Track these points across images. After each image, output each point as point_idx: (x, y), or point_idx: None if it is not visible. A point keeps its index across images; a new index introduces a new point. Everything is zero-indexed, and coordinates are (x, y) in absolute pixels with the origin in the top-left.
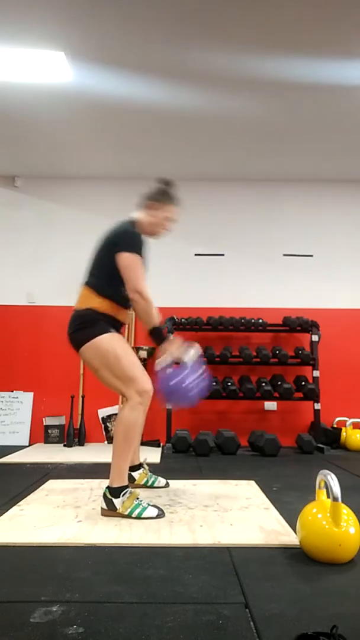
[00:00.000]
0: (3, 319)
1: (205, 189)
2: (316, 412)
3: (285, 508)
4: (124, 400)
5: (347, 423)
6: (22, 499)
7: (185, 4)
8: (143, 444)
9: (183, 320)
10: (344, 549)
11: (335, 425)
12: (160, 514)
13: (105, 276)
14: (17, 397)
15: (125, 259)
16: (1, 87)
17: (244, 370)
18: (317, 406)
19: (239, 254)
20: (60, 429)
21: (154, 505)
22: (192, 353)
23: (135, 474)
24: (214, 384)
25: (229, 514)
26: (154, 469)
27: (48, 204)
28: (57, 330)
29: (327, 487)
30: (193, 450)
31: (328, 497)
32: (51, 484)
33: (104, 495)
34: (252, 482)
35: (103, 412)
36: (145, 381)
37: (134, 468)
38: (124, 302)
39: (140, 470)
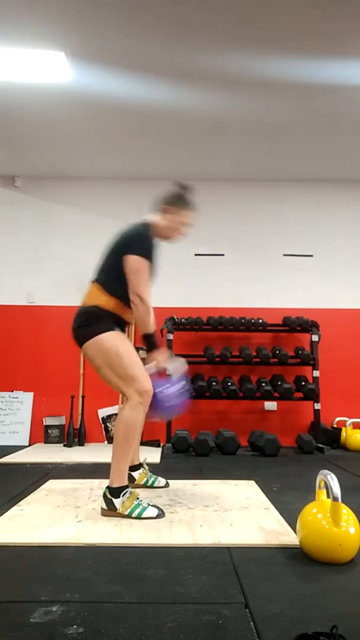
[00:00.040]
0: (3, 319)
1: (205, 189)
2: (316, 412)
3: (285, 508)
4: (124, 399)
5: (347, 423)
6: (22, 499)
7: (185, 4)
8: (143, 444)
9: (183, 320)
10: (344, 549)
11: (335, 425)
12: (160, 514)
13: (115, 275)
14: (17, 397)
15: (133, 262)
16: (1, 87)
17: (244, 370)
18: (317, 406)
19: (239, 254)
20: (60, 429)
21: (154, 505)
22: (177, 366)
23: (135, 474)
24: (214, 383)
25: (229, 514)
26: (154, 469)
27: (48, 204)
28: (57, 330)
29: (327, 487)
30: (193, 450)
31: (328, 497)
32: (51, 484)
33: (104, 495)
34: (252, 482)
35: (103, 412)
36: (145, 381)
37: (134, 468)
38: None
39: (140, 470)
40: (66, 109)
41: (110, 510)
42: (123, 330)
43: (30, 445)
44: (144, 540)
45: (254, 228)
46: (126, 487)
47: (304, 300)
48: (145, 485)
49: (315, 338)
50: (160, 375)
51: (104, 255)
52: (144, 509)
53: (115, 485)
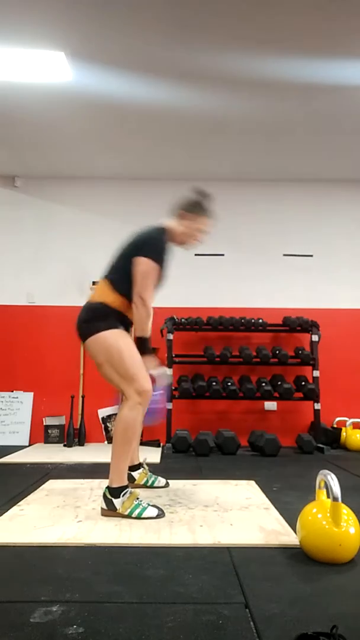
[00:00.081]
0: (3, 319)
1: (205, 189)
2: (316, 412)
3: (285, 508)
4: (123, 399)
5: (347, 423)
6: (22, 499)
7: (185, 4)
8: (143, 444)
9: (183, 320)
10: (344, 549)
11: (335, 425)
12: (160, 514)
13: (124, 275)
14: (17, 397)
15: (143, 264)
16: (1, 87)
17: (244, 370)
18: (317, 406)
19: (239, 254)
20: (60, 429)
21: (154, 505)
22: (163, 375)
23: (135, 474)
24: (214, 383)
25: (229, 514)
26: (154, 469)
27: (48, 204)
28: (57, 330)
29: (327, 487)
30: (193, 450)
31: (328, 497)
32: (51, 484)
33: (104, 496)
34: (252, 482)
35: (103, 412)
36: (145, 381)
37: (133, 468)
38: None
39: (140, 470)
40: (66, 109)
41: (110, 510)
42: (127, 330)
43: (30, 445)
44: (144, 540)
45: (254, 228)
46: (126, 487)
47: (304, 300)
48: (145, 485)
49: (315, 338)
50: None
51: (116, 253)
52: (144, 509)
53: (114, 486)
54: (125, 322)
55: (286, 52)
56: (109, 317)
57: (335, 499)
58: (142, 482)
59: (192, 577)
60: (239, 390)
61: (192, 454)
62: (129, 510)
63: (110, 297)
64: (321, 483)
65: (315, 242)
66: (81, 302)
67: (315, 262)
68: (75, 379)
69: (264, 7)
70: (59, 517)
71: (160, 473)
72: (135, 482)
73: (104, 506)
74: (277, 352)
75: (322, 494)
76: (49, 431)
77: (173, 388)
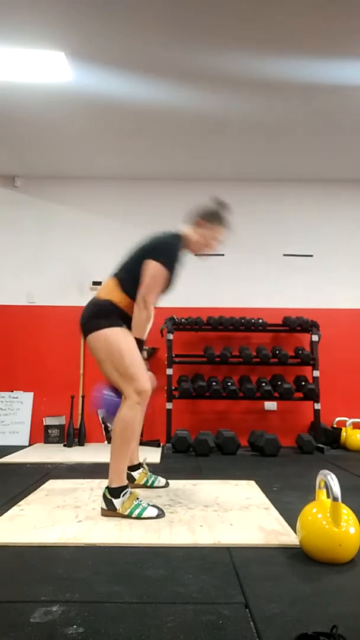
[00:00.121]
0: (3, 319)
1: (205, 189)
2: (316, 412)
3: (285, 508)
4: (122, 398)
5: (347, 423)
6: (22, 499)
7: (185, 4)
8: (143, 444)
9: (183, 320)
10: (344, 549)
11: (335, 425)
12: (160, 514)
13: (133, 276)
14: (17, 397)
15: (152, 268)
16: (1, 87)
17: (244, 370)
18: (317, 406)
19: (239, 254)
20: (60, 429)
21: (153, 505)
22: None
23: (135, 474)
24: (214, 383)
25: (229, 514)
26: (154, 469)
27: (48, 204)
28: (57, 330)
29: (327, 487)
30: (193, 450)
31: (328, 497)
32: (51, 484)
33: (104, 496)
34: (252, 482)
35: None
36: (145, 381)
37: (133, 468)
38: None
39: (140, 470)
40: (66, 109)
41: (110, 511)
42: (130, 329)
43: (30, 445)
44: (144, 540)
45: (254, 228)
46: (126, 487)
47: (304, 300)
48: (145, 485)
49: (315, 338)
50: None
51: (128, 253)
52: (144, 509)
53: (114, 486)
54: (128, 322)
55: (286, 52)
56: (113, 315)
57: (335, 499)
58: (142, 482)
59: (192, 577)
60: (239, 390)
61: (192, 454)
62: (129, 511)
63: (116, 296)
64: (321, 483)
65: (315, 242)
66: (81, 302)
67: (315, 262)
68: (75, 379)
69: (263, 7)
70: (59, 517)
71: (160, 473)
72: (135, 482)
73: (104, 506)
74: (277, 352)
75: (322, 494)
76: (49, 431)
77: (173, 388)
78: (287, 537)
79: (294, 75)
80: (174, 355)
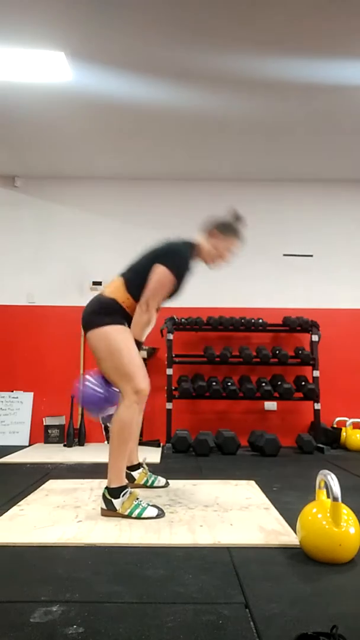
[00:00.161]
0: (3, 319)
1: (205, 189)
2: (316, 412)
3: (285, 508)
4: (120, 398)
5: (347, 423)
6: (22, 499)
7: (185, 4)
8: (143, 444)
9: (183, 320)
10: (344, 549)
11: (335, 425)
12: (160, 514)
13: (140, 277)
14: (17, 397)
15: (160, 273)
16: (1, 87)
17: (244, 370)
18: (317, 406)
19: (239, 254)
20: (60, 429)
21: (153, 505)
22: None
23: (135, 474)
24: (214, 383)
25: (229, 514)
26: (154, 469)
27: (48, 204)
28: (57, 330)
29: (327, 487)
30: (193, 450)
31: (328, 497)
32: (51, 484)
33: (103, 496)
34: (252, 482)
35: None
36: (142, 381)
37: (133, 468)
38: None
39: (140, 470)
40: (66, 109)
41: (110, 511)
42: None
43: (30, 445)
44: (144, 540)
45: (254, 228)
46: (125, 487)
47: (304, 300)
48: (145, 485)
49: (315, 338)
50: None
51: (139, 255)
52: (144, 509)
53: (113, 486)
54: (130, 322)
55: (286, 52)
56: (115, 313)
57: (335, 499)
58: (142, 482)
59: (192, 577)
60: (239, 390)
61: (192, 454)
62: (128, 511)
63: (120, 295)
64: (321, 483)
65: (315, 242)
66: (81, 302)
67: (315, 262)
68: (75, 379)
69: (263, 7)
70: (59, 517)
71: (160, 473)
72: (135, 482)
73: (104, 506)
74: (277, 352)
75: (322, 494)
76: (49, 431)
77: (173, 388)
78: (287, 537)
79: (294, 75)
80: (174, 355)
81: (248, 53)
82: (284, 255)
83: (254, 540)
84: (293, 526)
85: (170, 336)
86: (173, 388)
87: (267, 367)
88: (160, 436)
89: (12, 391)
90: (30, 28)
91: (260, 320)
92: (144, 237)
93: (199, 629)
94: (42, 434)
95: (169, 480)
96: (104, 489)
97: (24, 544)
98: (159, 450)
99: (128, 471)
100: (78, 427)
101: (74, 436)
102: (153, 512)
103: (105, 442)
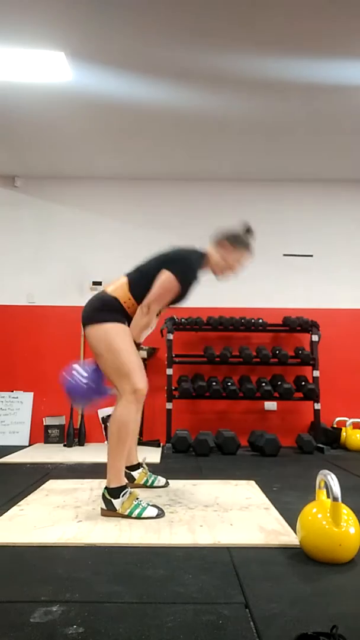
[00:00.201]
0: (3, 319)
1: (205, 189)
2: (316, 412)
3: (285, 508)
4: (117, 397)
5: (347, 423)
6: (22, 499)
7: (185, 4)
8: (143, 444)
9: (183, 320)
10: (344, 549)
11: (335, 425)
12: (160, 514)
13: (145, 280)
14: (17, 397)
15: (166, 279)
16: (1, 87)
17: (244, 370)
18: (317, 406)
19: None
20: (60, 429)
21: (153, 505)
22: None
23: (135, 474)
24: (214, 383)
25: (229, 514)
26: (154, 469)
27: (48, 204)
28: (57, 330)
29: (327, 487)
30: (193, 450)
31: (328, 497)
32: (51, 484)
33: (103, 496)
34: (252, 482)
35: (103, 412)
36: (140, 381)
37: (133, 468)
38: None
39: (140, 470)
40: (66, 109)
41: (109, 511)
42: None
43: (30, 445)
44: (144, 540)
45: (254, 228)
46: (125, 487)
47: (304, 300)
48: (145, 485)
49: (315, 338)
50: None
51: (148, 258)
52: (144, 508)
53: (113, 486)
54: (129, 322)
55: (286, 53)
56: (116, 311)
57: (335, 499)
58: (142, 482)
59: (192, 577)
60: (239, 390)
61: (192, 454)
62: (128, 511)
63: (122, 295)
64: (321, 483)
65: (315, 242)
66: (81, 302)
67: (315, 262)
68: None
69: (264, 8)
70: (59, 517)
71: (160, 473)
72: (135, 481)
73: (104, 506)
74: (277, 352)
75: (322, 494)
76: (49, 431)
77: (173, 388)
78: (287, 537)
79: (294, 75)
80: (174, 355)
81: (248, 53)
82: (284, 255)
83: (254, 540)
84: (293, 526)
85: (170, 336)
86: (173, 388)
87: (267, 367)
88: (160, 436)
89: (12, 391)
90: (30, 28)
91: (260, 320)
92: (144, 237)
93: (199, 629)
94: (42, 434)
95: (169, 480)
96: (104, 489)
97: (24, 544)
98: (159, 450)
99: (128, 471)
100: (78, 427)
101: (74, 436)
102: (153, 512)
103: (106, 442)
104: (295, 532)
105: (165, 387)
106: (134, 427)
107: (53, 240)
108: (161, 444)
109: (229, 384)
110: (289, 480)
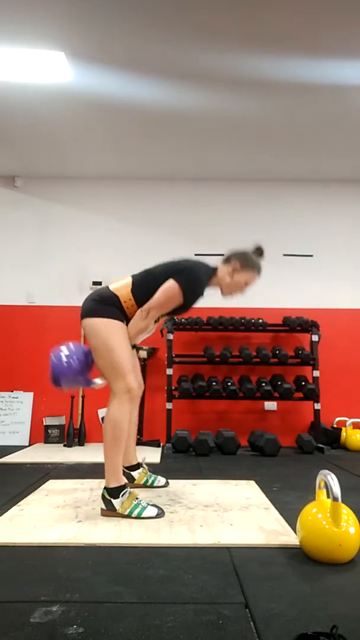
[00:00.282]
0: (3, 319)
1: (205, 189)
2: (316, 412)
3: (285, 508)
4: (111, 396)
5: (347, 423)
6: (22, 499)
7: (186, 4)
8: (143, 443)
9: (183, 320)
10: (344, 549)
11: (335, 425)
12: (160, 514)
13: (149, 284)
14: (17, 397)
15: (170, 287)
16: (1, 87)
17: (244, 370)
18: (317, 406)
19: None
20: (60, 429)
21: (153, 505)
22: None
23: (135, 474)
24: (214, 383)
25: (229, 514)
26: (154, 469)
27: (48, 204)
28: (57, 330)
29: (327, 487)
30: (193, 450)
31: (328, 497)
32: (51, 484)
33: (103, 496)
34: (252, 482)
35: (103, 412)
36: (131, 380)
37: (132, 468)
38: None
39: (140, 470)
40: (66, 109)
41: (109, 511)
42: None
43: (30, 445)
44: (144, 540)
45: (254, 228)
46: (124, 486)
47: (304, 300)
48: (145, 485)
49: (315, 338)
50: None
51: (158, 264)
52: (144, 508)
53: (112, 486)
54: (127, 321)
55: (286, 53)
56: (116, 308)
57: (335, 499)
58: (142, 482)
59: (192, 577)
60: (239, 390)
61: (192, 454)
62: (128, 510)
63: (124, 294)
64: (321, 483)
65: (315, 242)
66: (81, 302)
67: (315, 262)
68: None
69: (264, 8)
70: (59, 517)
71: (160, 473)
72: (135, 482)
73: (104, 506)
74: (277, 352)
75: (322, 494)
76: (49, 431)
77: (173, 388)
78: (287, 537)
79: (294, 75)
80: (174, 355)
81: (248, 53)
82: (284, 255)
83: (254, 540)
84: (293, 526)
85: (170, 336)
86: (173, 388)
87: (267, 367)
88: (160, 436)
89: (12, 391)
90: (30, 28)
91: (260, 320)
92: (144, 237)
93: (199, 629)
94: (42, 434)
95: (169, 480)
96: (103, 489)
97: (24, 544)
98: (159, 450)
99: (128, 471)
100: (78, 427)
101: (74, 436)
102: (153, 511)
103: None
104: (295, 532)
105: (165, 387)
106: (129, 426)
107: (53, 240)
108: (161, 444)
109: (229, 384)
110: (289, 480)
